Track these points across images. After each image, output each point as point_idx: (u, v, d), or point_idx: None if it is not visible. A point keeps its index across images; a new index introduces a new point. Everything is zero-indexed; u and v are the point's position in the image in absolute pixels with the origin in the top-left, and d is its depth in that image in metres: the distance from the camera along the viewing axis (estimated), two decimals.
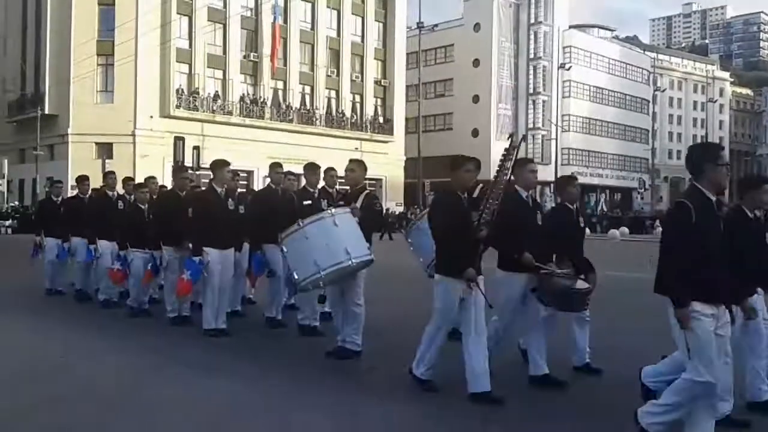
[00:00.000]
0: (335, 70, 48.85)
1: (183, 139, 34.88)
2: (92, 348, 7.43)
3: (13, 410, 5.05)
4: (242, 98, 43.88)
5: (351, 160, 7.14)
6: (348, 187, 7.09)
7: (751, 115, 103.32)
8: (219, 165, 8.05)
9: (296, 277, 6.22)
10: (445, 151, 57.04)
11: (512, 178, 5.53)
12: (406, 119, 53.18)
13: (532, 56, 61.91)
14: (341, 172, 8.37)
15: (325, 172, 8.36)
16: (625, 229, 42.33)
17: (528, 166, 5.89)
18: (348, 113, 49.54)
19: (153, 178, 10.46)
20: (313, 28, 47.72)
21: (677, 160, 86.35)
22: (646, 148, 70.95)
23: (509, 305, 5.74)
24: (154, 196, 9.77)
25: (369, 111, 50.85)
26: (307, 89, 47.72)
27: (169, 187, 11.36)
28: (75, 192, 11.57)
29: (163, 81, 40.50)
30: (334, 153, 41.36)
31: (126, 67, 39.05)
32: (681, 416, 4.07)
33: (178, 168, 12.05)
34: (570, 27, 66.45)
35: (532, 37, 62.03)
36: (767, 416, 4.83)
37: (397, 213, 43.68)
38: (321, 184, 8.28)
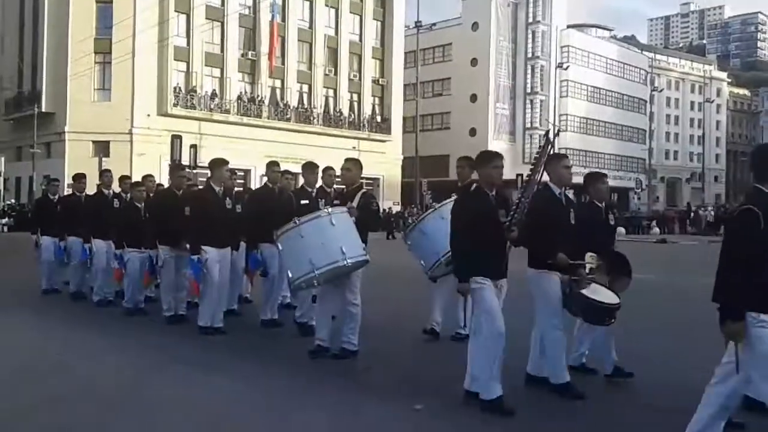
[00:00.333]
0: (333, 69, 48.82)
1: (180, 137, 34.83)
2: (91, 347, 7.43)
3: (12, 410, 5.04)
4: (240, 97, 43.83)
5: (347, 159, 7.12)
6: (344, 186, 7.10)
7: (749, 115, 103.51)
8: (217, 164, 8.05)
9: (290, 275, 6.22)
10: (442, 151, 57.52)
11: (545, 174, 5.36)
12: (404, 118, 53.18)
13: (529, 56, 61.94)
14: (339, 172, 8.36)
15: (323, 171, 8.35)
16: (622, 230, 42.23)
17: (562, 161, 5.56)
18: (346, 112, 49.52)
19: (150, 176, 10.43)
20: (311, 27, 47.68)
21: (674, 160, 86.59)
22: (643, 148, 70.99)
23: (550, 305, 5.38)
24: (151, 195, 9.76)
25: (367, 110, 50.84)
26: (305, 88, 47.69)
27: (166, 185, 11.35)
28: (71, 190, 11.53)
29: (161, 79, 40.43)
30: (331, 152, 41.32)
31: (123, 65, 38.98)
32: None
33: (176, 166, 12.03)
34: (568, 26, 66.46)
35: (530, 36, 62.05)
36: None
37: (394, 212, 43.69)
38: (319, 183, 8.28)
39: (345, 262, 6.09)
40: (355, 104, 50.52)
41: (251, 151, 39.86)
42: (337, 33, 49.20)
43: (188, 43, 41.83)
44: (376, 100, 51.98)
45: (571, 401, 5.19)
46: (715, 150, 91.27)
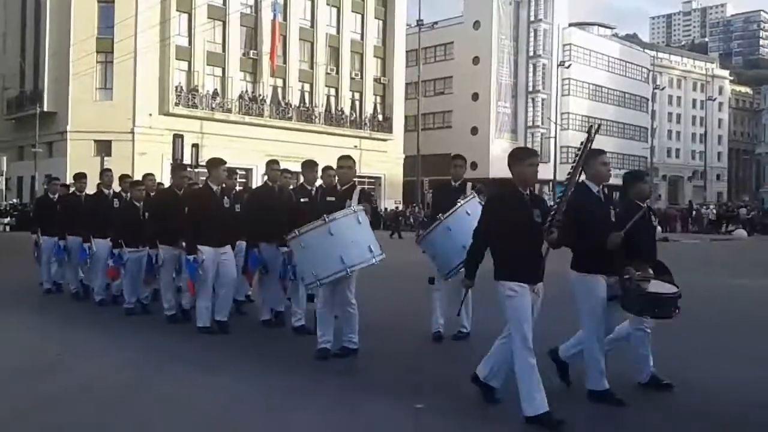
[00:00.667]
0: (335, 68, 48.81)
1: (182, 136, 34.85)
2: (91, 346, 7.42)
3: (12, 409, 5.04)
4: (241, 96, 43.84)
5: (345, 157, 7.07)
6: (339, 184, 7.04)
7: (751, 113, 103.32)
8: (214, 163, 8.03)
9: (314, 273, 6.08)
10: (444, 150, 57.09)
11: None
12: (406, 117, 53.15)
13: (531, 54, 61.89)
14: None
15: (323, 170, 8.33)
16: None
17: (600, 157, 5.27)
18: (347, 111, 49.50)
19: (151, 175, 10.42)
20: (312, 26, 47.67)
21: (676, 158, 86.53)
22: (645, 146, 70.90)
23: (595, 310, 5.13)
24: (152, 194, 9.75)
25: (368, 109, 50.82)
26: (307, 87, 47.68)
27: (167, 184, 11.33)
28: (72, 189, 11.52)
29: (163, 78, 40.45)
30: (333, 151, 41.07)
31: (125, 65, 39.00)
32: None
33: (177, 166, 12.02)
34: (570, 25, 66.44)
35: (531, 34, 62.00)
36: None
37: (398, 211, 43.67)
38: (318, 182, 8.26)
39: (374, 260, 6.08)
40: (357, 103, 50.51)
41: (253, 150, 39.89)
42: (338, 32, 49.19)
43: (190, 43, 41.85)
44: (378, 98, 51.96)
45: (571, 403, 5.15)
46: (717, 148, 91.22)
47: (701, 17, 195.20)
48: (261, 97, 44.60)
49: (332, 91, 49.11)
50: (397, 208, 45.19)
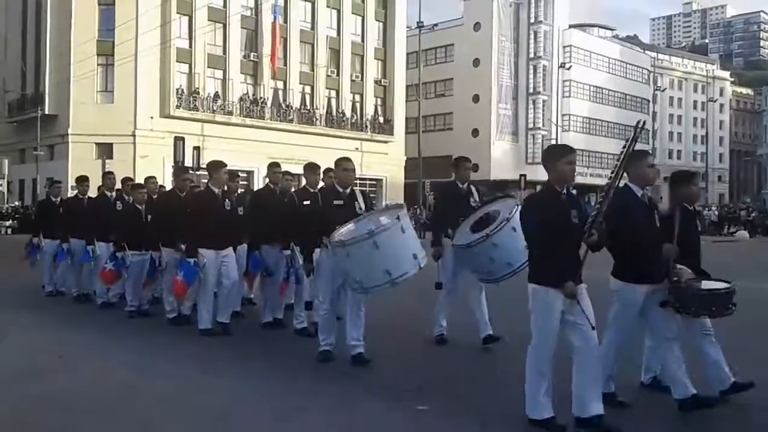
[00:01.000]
0: (335, 70, 48.83)
1: (183, 139, 34.87)
2: (92, 348, 7.44)
3: (13, 410, 5.05)
4: (242, 98, 43.84)
5: (345, 159, 6.90)
6: (342, 187, 6.83)
7: (752, 114, 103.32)
8: (215, 166, 8.04)
9: (361, 282, 5.90)
10: (445, 152, 57.27)
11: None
12: (406, 119, 53.13)
13: (532, 56, 61.87)
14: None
15: (325, 172, 8.35)
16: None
17: (644, 159, 5.04)
18: (348, 113, 49.50)
19: (153, 178, 10.44)
20: (313, 28, 47.69)
21: (677, 159, 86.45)
22: (646, 148, 70.94)
23: (627, 320, 5.00)
24: (154, 197, 9.77)
25: (369, 111, 50.82)
26: (307, 89, 47.68)
27: (168, 187, 11.34)
28: (75, 192, 11.54)
29: (163, 81, 40.47)
30: (334, 153, 40.90)
31: (126, 67, 39.03)
32: None
33: (180, 169, 12.05)
34: (570, 26, 66.41)
35: (532, 36, 61.98)
36: None
37: None
38: (320, 184, 8.26)
39: (417, 269, 5.94)
40: (358, 105, 50.52)
41: (254, 152, 39.86)
42: (339, 34, 49.21)
43: (190, 45, 41.87)
44: (379, 101, 51.98)
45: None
46: (718, 149, 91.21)
47: (701, 18, 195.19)
48: (262, 100, 44.62)
49: (333, 93, 49.13)
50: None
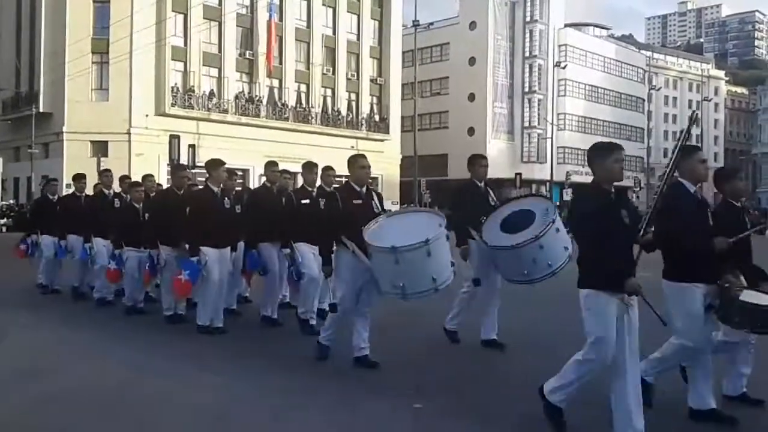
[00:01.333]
0: (331, 69, 48.78)
1: (178, 137, 34.84)
2: (89, 346, 7.44)
3: (10, 409, 5.04)
4: (238, 96, 43.77)
5: (361, 156, 6.73)
6: (359, 186, 6.56)
7: (746, 113, 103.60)
8: (214, 164, 8.04)
9: (403, 288, 5.74)
10: (440, 150, 57.56)
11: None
12: (402, 117, 53.13)
13: (527, 55, 61.94)
14: (339, 171, 8.33)
15: (323, 171, 8.35)
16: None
17: (696, 154, 4.80)
18: (344, 111, 49.48)
19: (150, 176, 10.44)
20: (308, 26, 47.63)
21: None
22: (641, 147, 71.03)
23: (696, 322, 4.66)
24: (152, 195, 9.76)
25: (365, 109, 50.81)
26: (303, 87, 47.63)
27: (165, 185, 11.32)
28: (72, 190, 11.52)
29: (159, 79, 40.37)
30: (330, 151, 41.28)
31: (121, 65, 38.93)
32: None
33: (177, 166, 12.04)
34: (565, 25, 66.51)
35: (527, 35, 62.05)
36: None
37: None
38: (318, 182, 8.27)
39: (453, 275, 5.89)
40: (353, 103, 50.49)
41: (249, 150, 39.82)
42: (334, 32, 49.17)
43: (186, 43, 41.76)
44: (374, 99, 51.96)
45: (572, 407, 5.14)
46: (713, 149, 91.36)
47: (696, 18, 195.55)
48: (257, 98, 44.55)
49: (329, 92, 49.08)
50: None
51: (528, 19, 61.94)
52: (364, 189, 6.52)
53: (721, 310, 4.65)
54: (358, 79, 50.37)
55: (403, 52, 53.29)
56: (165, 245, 8.57)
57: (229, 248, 8.04)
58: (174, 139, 34.40)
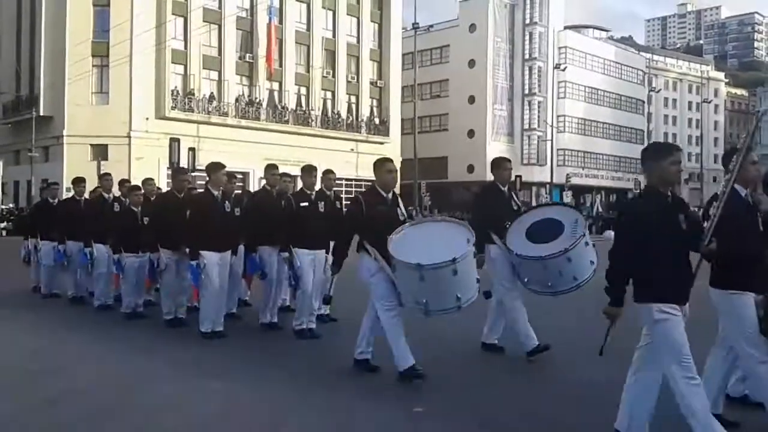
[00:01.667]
0: (331, 71, 48.82)
1: (178, 140, 34.85)
2: (89, 351, 7.42)
3: (11, 413, 5.04)
4: (238, 99, 43.81)
5: (389, 160, 6.40)
6: (385, 191, 6.27)
7: (746, 115, 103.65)
8: (214, 168, 8.03)
9: (426, 305, 5.59)
10: (440, 153, 57.59)
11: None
12: (402, 120, 53.16)
13: (527, 57, 61.99)
14: (339, 174, 8.33)
15: (323, 174, 8.35)
16: None
17: (748, 156, 4.44)
18: (344, 114, 49.52)
19: (150, 179, 10.43)
20: (308, 29, 47.68)
21: None
22: (641, 148, 70.95)
23: (749, 331, 4.35)
24: (152, 198, 9.76)
25: (365, 112, 50.85)
26: (303, 90, 47.67)
27: (164, 189, 11.32)
28: (71, 194, 11.52)
29: (159, 82, 40.41)
30: (330, 154, 41.43)
31: (121, 69, 38.96)
32: None
33: (177, 170, 12.03)
34: (565, 28, 66.58)
35: (527, 37, 62.10)
36: None
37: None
38: (318, 186, 8.27)
39: (477, 293, 5.75)
40: (353, 106, 50.52)
41: (250, 153, 39.84)
42: (334, 35, 49.21)
43: (186, 46, 41.80)
44: (374, 102, 51.99)
45: (573, 409, 5.14)
46: (713, 150, 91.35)
47: (696, 20, 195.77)
48: (257, 101, 44.59)
49: (328, 95, 49.12)
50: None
51: (527, 21, 62.01)
52: (390, 195, 6.21)
53: (762, 323, 4.36)
54: (358, 81, 50.41)
55: (403, 55, 53.35)
56: (165, 249, 8.56)
57: (229, 252, 8.04)
58: (174, 142, 34.41)
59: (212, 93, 42.80)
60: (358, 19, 50.83)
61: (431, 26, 62.45)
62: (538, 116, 61.66)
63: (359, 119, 50.24)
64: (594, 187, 65.10)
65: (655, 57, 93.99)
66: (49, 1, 40.38)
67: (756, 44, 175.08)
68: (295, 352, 7.08)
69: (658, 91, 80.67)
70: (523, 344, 6.64)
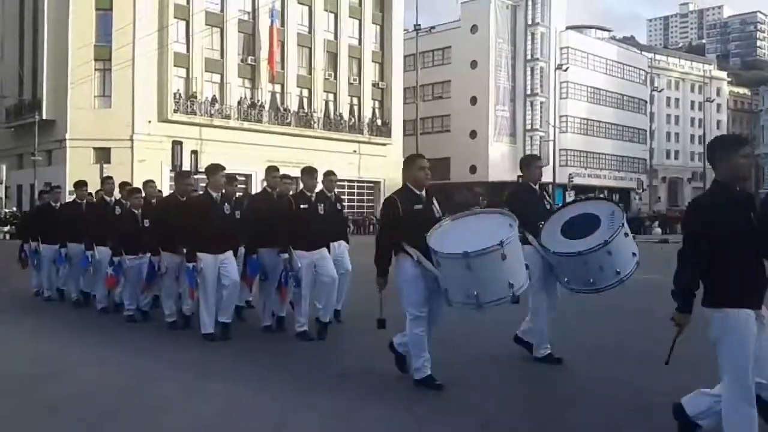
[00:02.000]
0: (333, 73, 48.89)
1: (181, 143, 34.95)
2: (91, 353, 7.43)
3: (11, 416, 5.04)
4: (240, 102, 43.90)
5: (420, 156, 6.11)
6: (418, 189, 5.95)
7: (749, 114, 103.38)
8: (213, 170, 8.04)
9: (477, 296, 5.24)
10: (443, 154, 57.50)
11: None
12: (404, 121, 53.23)
13: (529, 57, 61.96)
14: (341, 175, 8.33)
15: (324, 176, 8.35)
16: None
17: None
18: (346, 116, 49.58)
19: (151, 182, 10.44)
20: (310, 32, 47.76)
21: (675, 160, 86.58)
22: (643, 148, 71.00)
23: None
24: (153, 201, 9.77)
25: (367, 113, 50.89)
26: (305, 92, 47.75)
27: (165, 192, 11.32)
28: (73, 198, 11.55)
29: (161, 85, 40.51)
30: (332, 156, 41.49)
31: (123, 72, 39.08)
32: None
33: (181, 173, 12.04)
34: (567, 28, 66.50)
35: (529, 38, 62.07)
36: None
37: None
38: (318, 187, 8.27)
39: (528, 280, 5.49)
40: (356, 108, 50.58)
41: (252, 156, 39.93)
42: (336, 37, 49.28)
43: (188, 49, 41.90)
44: (376, 103, 52.04)
45: (572, 410, 5.14)
46: None
47: (698, 19, 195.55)
48: (259, 103, 44.67)
49: (331, 97, 49.18)
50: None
51: (529, 22, 61.97)
52: (424, 192, 5.91)
53: None
54: (360, 83, 50.47)
55: (405, 56, 53.38)
56: (166, 251, 8.57)
57: (230, 252, 8.03)
58: (176, 145, 34.51)
59: (214, 96, 42.89)
60: (360, 21, 50.90)
61: (433, 28, 62.46)
62: (541, 117, 61.63)
63: (361, 121, 50.29)
64: (597, 187, 64.94)
65: (658, 57, 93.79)
66: (52, 5, 40.51)
67: (759, 43, 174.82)
68: (297, 353, 7.08)
69: (660, 91, 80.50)
70: (537, 346, 6.52)
